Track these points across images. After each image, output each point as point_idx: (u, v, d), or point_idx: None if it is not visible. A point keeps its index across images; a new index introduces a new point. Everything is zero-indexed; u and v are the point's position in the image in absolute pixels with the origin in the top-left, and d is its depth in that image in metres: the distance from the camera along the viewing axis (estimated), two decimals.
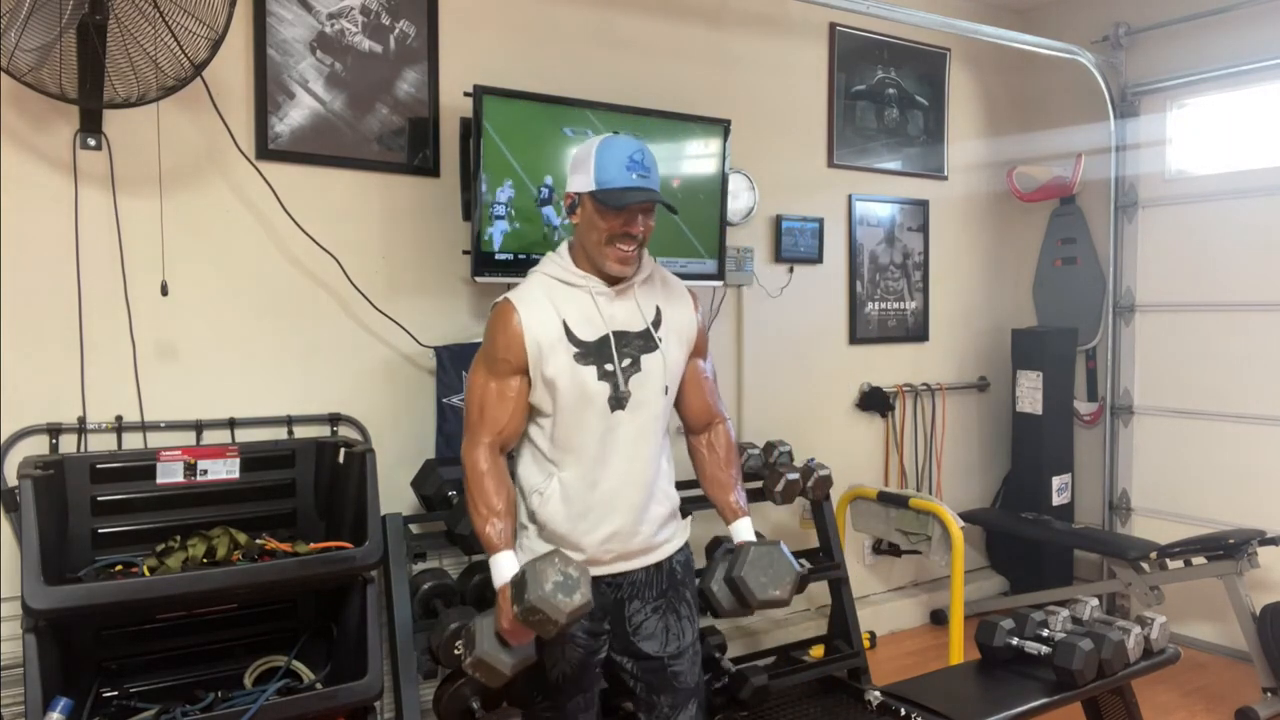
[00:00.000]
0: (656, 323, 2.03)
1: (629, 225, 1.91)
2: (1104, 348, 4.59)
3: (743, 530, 2.09)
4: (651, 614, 2.06)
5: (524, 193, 3.03)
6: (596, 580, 1.98)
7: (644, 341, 2.00)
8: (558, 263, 2.02)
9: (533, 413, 2.01)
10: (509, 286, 3.18)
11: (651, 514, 2.04)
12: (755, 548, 2.00)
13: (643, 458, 2.01)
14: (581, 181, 1.93)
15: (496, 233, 3.01)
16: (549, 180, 3.10)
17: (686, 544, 2.18)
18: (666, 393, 2.04)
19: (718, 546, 2.25)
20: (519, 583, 1.78)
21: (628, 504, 2.00)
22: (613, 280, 1.99)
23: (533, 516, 2.01)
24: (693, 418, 2.15)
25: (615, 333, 1.97)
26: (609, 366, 1.95)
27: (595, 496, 1.98)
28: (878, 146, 4.40)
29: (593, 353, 1.94)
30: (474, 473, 1.95)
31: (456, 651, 2.04)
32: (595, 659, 2.06)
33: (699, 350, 2.13)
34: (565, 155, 3.13)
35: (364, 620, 2.48)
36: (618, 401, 1.96)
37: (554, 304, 1.96)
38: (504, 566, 1.88)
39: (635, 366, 1.98)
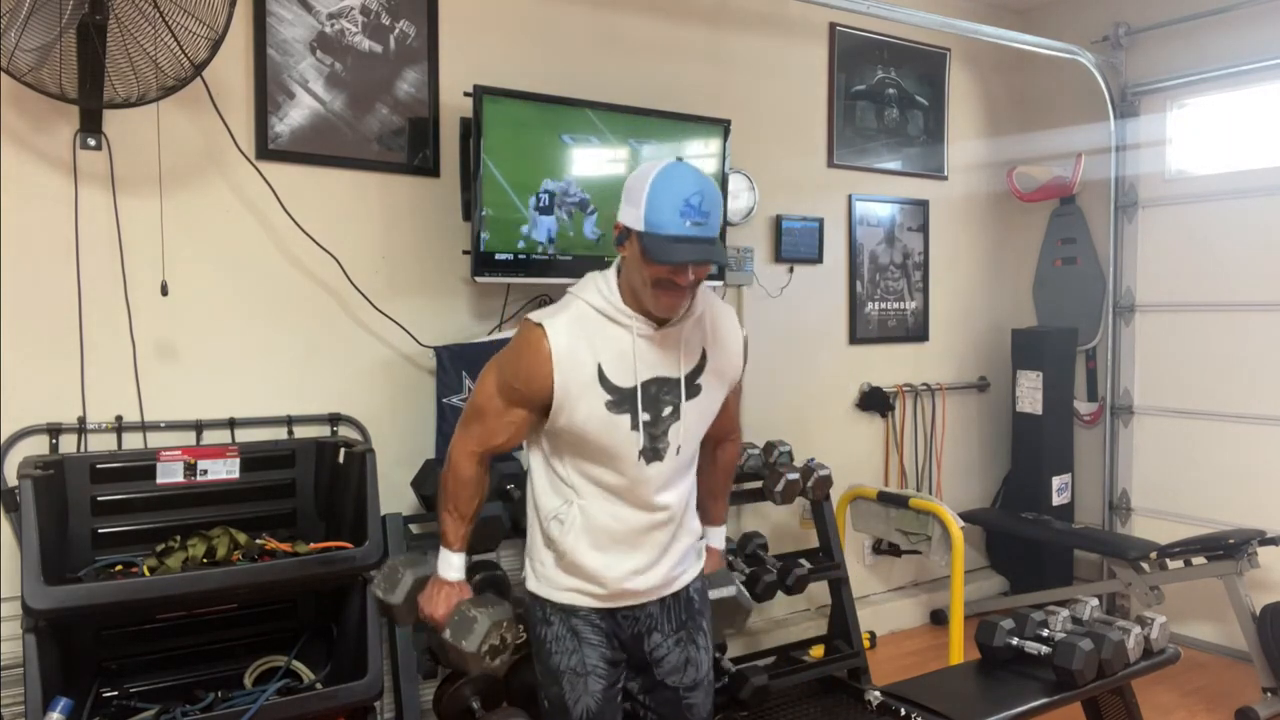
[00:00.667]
0: (700, 367, 1.90)
1: (676, 275, 1.73)
2: (1104, 348, 4.59)
3: (715, 538, 2.19)
4: (674, 646, 2.00)
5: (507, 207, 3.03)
6: (613, 613, 1.96)
7: (687, 388, 1.88)
8: (603, 293, 1.83)
9: (553, 438, 1.90)
10: (509, 288, 3.24)
11: (674, 550, 1.98)
12: (715, 601, 2.15)
13: (671, 500, 1.93)
14: (632, 216, 1.73)
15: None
16: (548, 185, 3.09)
17: (702, 572, 2.12)
18: (699, 439, 1.98)
19: None
20: (461, 623, 1.90)
21: (653, 542, 1.93)
22: (660, 320, 1.83)
23: (551, 544, 1.92)
24: (711, 434, 2.07)
25: (656, 379, 1.84)
26: (647, 416, 1.83)
27: (620, 530, 1.90)
28: (878, 146, 4.40)
29: (627, 400, 1.81)
30: (458, 476, 1.92)
31: (375, 589, 2.07)
32: (616, 689, 1.98)
33: (738, 384, 2.06)
34: (564, 160, 3.13)
35: (364, 620, 2.48)
36: (654, 453, 1.85)
37: (590, 340, 1.80)
38: (454, 563, 1.96)
39: (675, 415, 1.86)
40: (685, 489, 1.98)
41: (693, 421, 1.91)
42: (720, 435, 2.11)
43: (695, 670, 2.01)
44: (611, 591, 1.93)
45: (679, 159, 1.77)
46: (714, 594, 2.15)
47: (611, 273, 1.86)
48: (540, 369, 1.78)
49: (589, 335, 1.81)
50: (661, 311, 1.79)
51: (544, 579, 1.95)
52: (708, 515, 2.16)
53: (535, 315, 1.84)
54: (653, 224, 1.70)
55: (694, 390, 1.89)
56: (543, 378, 1.78)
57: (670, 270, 1.72)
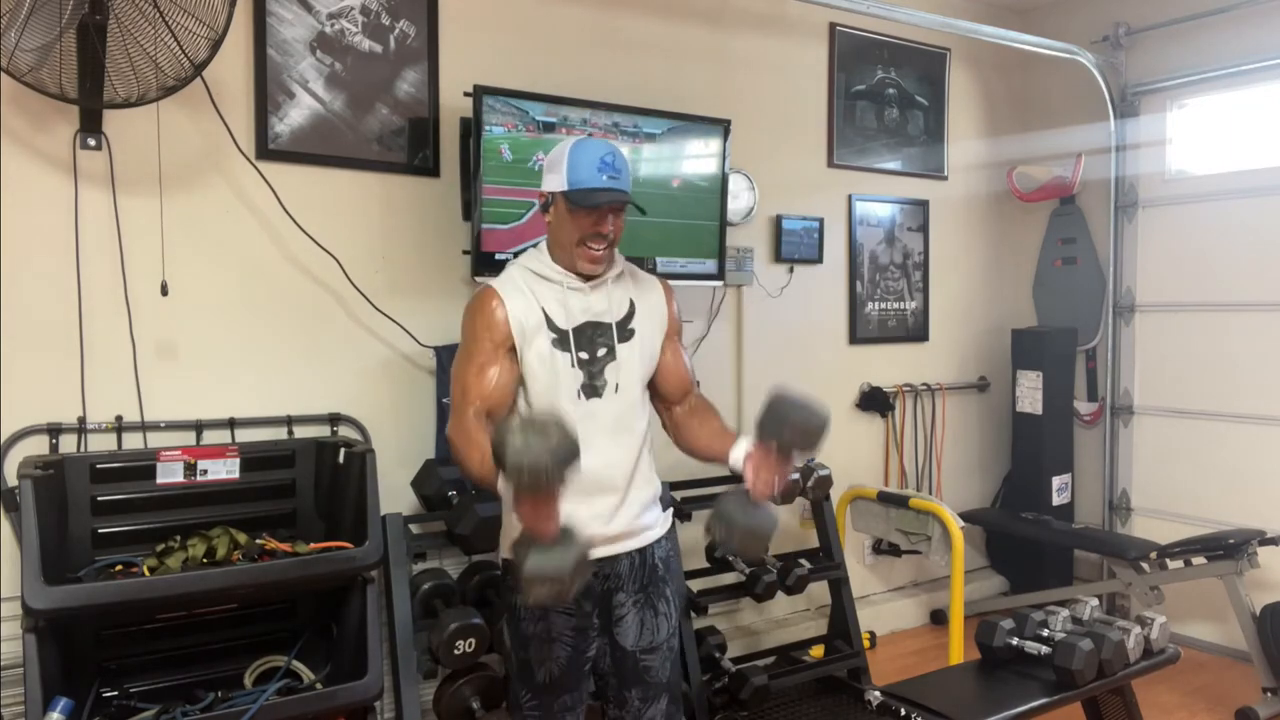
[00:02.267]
0: (630, 314, 2.08)
1: (599, 225, 1.97)
2: (1104, 348, 4.59)
3: (744, 445, 2.04)
4: (632, 608, 2.09)
5: None
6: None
7: (619, 331, 2.05)
8: (536, 257, 2.07)
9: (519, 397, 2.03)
10: None
11: (633, 497, 2.06)
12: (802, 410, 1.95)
13: (624, 443, 2.04)
14: (554, 181, 1.99)
15: None
16: None
17: (671, 538, 2.21)
18: (641, 382, 2.08)
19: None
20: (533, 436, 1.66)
21: (610, 485, 2.02)
22: (587, 277, 2.04)
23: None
24: (671, 389, 2.16)
25: (590, 322, 2.03)
26: (583, 355, 2.01)
27: (577, 479, 1.89)
28: (878, 146, 4.40)
29: (568, 340, 2.00)
30: (462, 432, 1.90)
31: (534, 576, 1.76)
32: (583, 658, 2.07)
33: (673, 331, 2.17)
34: None
35: (364, 620, 2.48)
36: (592, 389, 2.01)
37: (533, 292, 2.01)
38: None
39: (611, 355, 2.03)
40: (634, 438, 2.06)
41: (631, 361, 2.05)
42: (679, 392, 2.18)
43: (652, 634, 2.10)
44: None
45: (588, 134, 2.08)
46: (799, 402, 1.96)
47: (543, 243, 2.10)
48: (496, 313, 1.98)
49: (531, 288, 2.02)
50: (589, 264, 2.00)
51: (511, 533, 2.00)
52: (725, 443, 2.06)
53: (479, 285, 2.07)
54: (575, 181, 1.95)
55: (627, 334, 2.07)
56: (499, 318, 1.97)
57: (594, 221, 1.96)
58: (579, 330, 2.02)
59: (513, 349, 1.99)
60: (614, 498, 2.03)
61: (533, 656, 2.03)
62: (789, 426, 1.90)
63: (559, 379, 1.99)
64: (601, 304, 2.05)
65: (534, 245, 2.12)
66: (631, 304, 2.09)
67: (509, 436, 1.63)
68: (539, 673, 2.03)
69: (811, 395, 1.95)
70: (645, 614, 2.10)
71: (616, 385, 2.03)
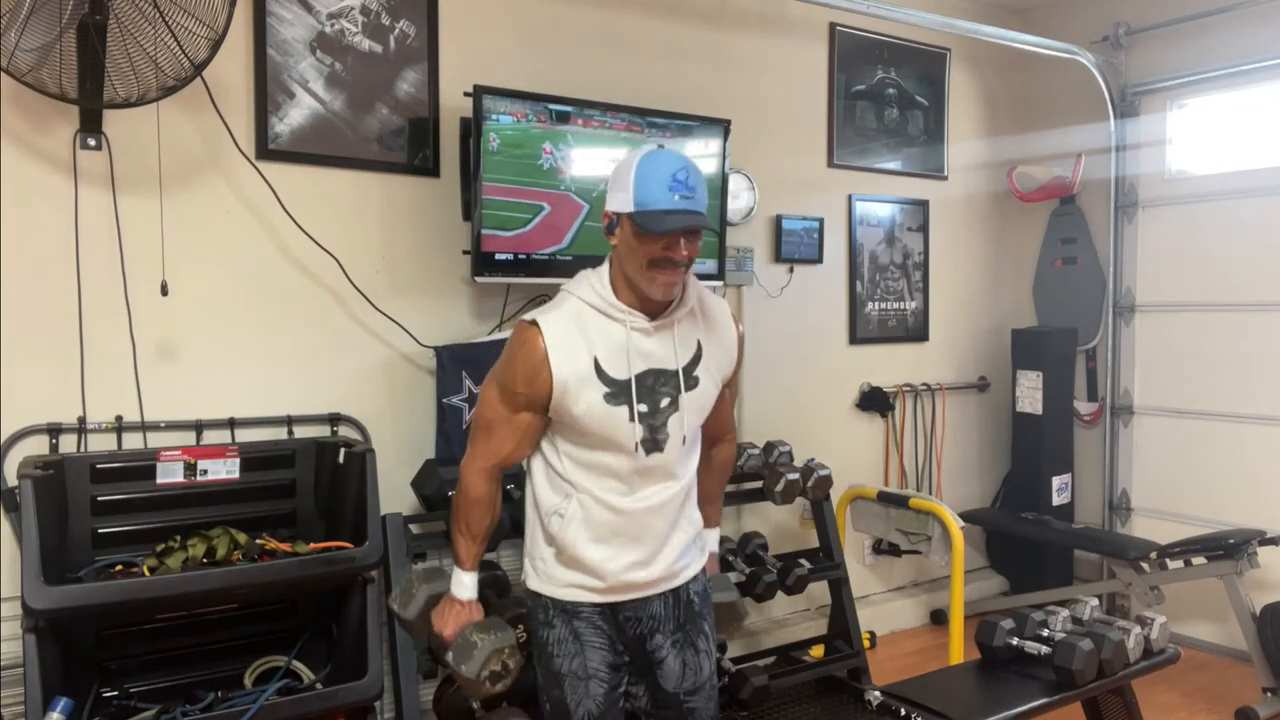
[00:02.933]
0: (696, 359, 1.92)
1: (670, 250, 1.76)
2: (1104, 348, 4.59)
3: (710, 540, 2.19)
4: (671, 649, 1.99)
5: None
6: (616, 609, 1.96)
7: (684, 379, 1.89)
8: (596, 289, 1.86)
9: (552, 434, 1.92)
10: (509, 288, 3.24)
11: (674, 541, 1.97)
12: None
13: (671, 489, 1.94)
14: (620, 200, 1.78)
15: None
16: None
17: (704, 571, 2.11)
18: (698, 429, 2.00)
19: None
20: (463, 647, 1.94)
21: (653, 533, 1.93)
22: (653, 313, 1.86)
23: (551, 540, 1.93)
24: (706, 434, 2.08)
25: (652, 370, 1.86)
26: (644, 407, 1.84)
27: (619, 522, 1.89)
28: (878, 146, 4.40)
29: (625, 392, 1.83)
30: (469, 495, 1.95)
31: (391, 603, 2.12)
32: (617, 694, 1.98)
33: (734, 378, 2.07)
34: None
35: (364, 620, 2.48)
36: (654, 444, 1.87)
37: (585, 335, 1.82)
38: (465, 582, 2.00)
39: (674, 406, 1.87)
40: (685, 480, 1.97)
41: (692, 412, 1.92)
42: (715, 435, 2.12)
43: (695, 675, 2.01)
44: (612, 585, 1.92)
45: (660, 146, 1.83)
46: (715, 597, 2.15)
47: (604, 268, 1.89)
48: (538, 366, 1.80)
49: (583, 329, 1.83)
50: (659, 292, 1.81)
51: (545, 576, 1.96)
52: (703, 518, 2.13)
53: (529, 314, 1.87)
54: (643, 202, 1.74)
55: (692, 382, 1.91)
56: (541, 374, 1.80)
57: (664, 246, 1.75)
58: (639, 380, 1.84)
59: (544, 407, 1.85)
60: (655, 544, 1.94)
61: (569, 696, 1.92)
62: None
63: (616, 433, 1.84)
64: (666, 347, 1.87)
65: (594, 268, 1.91)
66: (699, 346, 1.92)
67: (479, 661, 1.93)
68: (576, 713, 1.92)
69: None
70: (686, 654, 2.00)
71: (683, 438, 1.90)
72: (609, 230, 1.83)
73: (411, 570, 2.15)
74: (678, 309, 1.89)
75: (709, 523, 2.17)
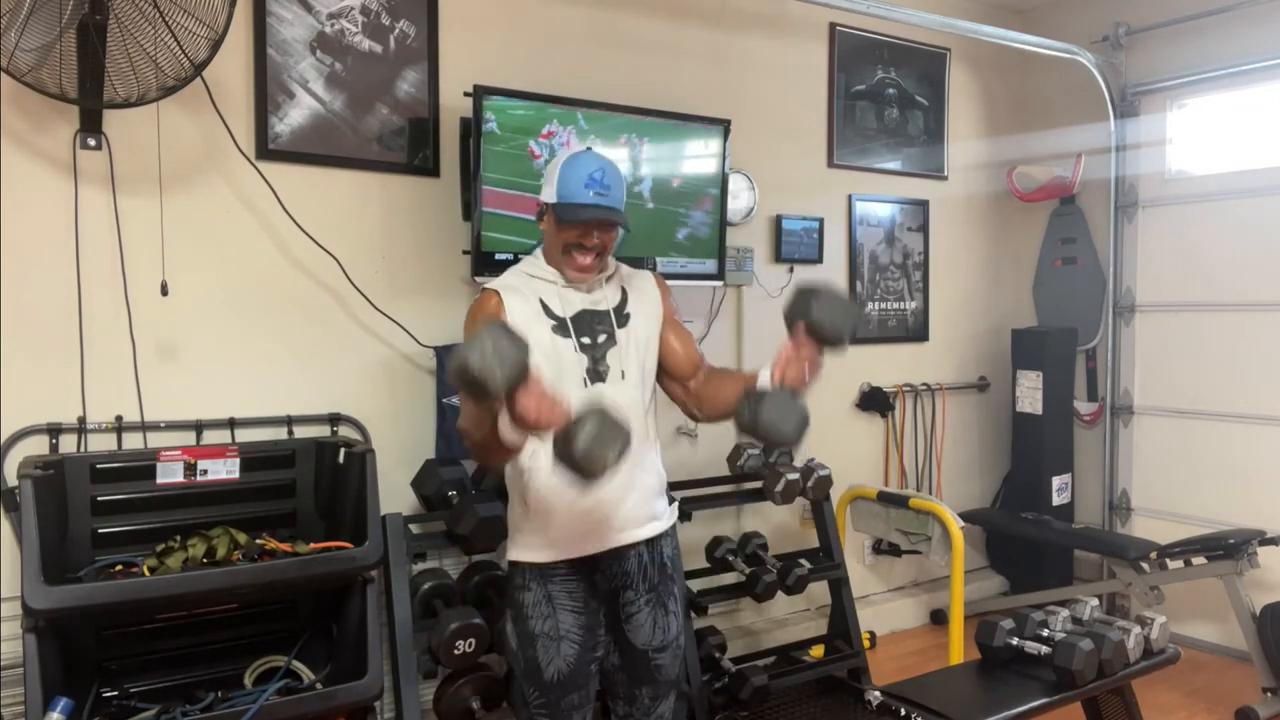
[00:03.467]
0: (624, 300, 2.14)
1: (584, 238, 2.03)
2: (1104, 348, 4.59)
3: (764, 376, 2.00)
4: (644, 606, 2.11)
5: None
6: (591, 566, 2.07)
7: (616, 317, 2.10)
8: (532, 261, 2.15)
9: None
10: None
11: (639, 481, 2.08)
12: (773, 396, 1.89)
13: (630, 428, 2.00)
14: (547, 192, 2.06)
15: None
16: None
17: (675, 535, 2.24)
18: (644, 366, 2.11)
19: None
20: (567, 436, 1.66)
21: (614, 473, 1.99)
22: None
23: (525, 497, 2.05)
24: (682, 366, 2.18)
25: (586, 310, 2.08)
26: (585, 339, 2.06)
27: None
28: (878, 146, 4.40)
29: (568, 326, 2.05)
30: (476, 437, 1.87)
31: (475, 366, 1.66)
32: (591, 655, 2.09)
33: (670, 315, 2.21)
34: None
35: (364, 620, 2.48)
36: (596, 374, 2.05)
37: (527, 289, 2.08)
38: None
39: (611, 341, 2.08)
40: (636, 421, 2.00)
41: (631, 345, 2.09)
42: (689, 369, 2.20)
43: (664, 633, 2.13)
44: (583, 529, 2.02)
45: (588, 148, 2.09)
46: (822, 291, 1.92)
47: (538, 250, 2.17)
48: (495, 311, 2.02)
49: (525, 287, 2.08)
50: (575, 274, 2.06)
51: (521, 545, 2.09)
52: (749, 378, 2.02)
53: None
54: (563, 195, 2.02)
55: (624, 318, 2.11)
56: (500, 314, 2.02)
57: (579, 234, 2.02)
58: (577, 318, 2.07)
59: None
60: (619, 481, 1.98)
61: (540, 655, 2.04)
62: (818, 304, 1.88)
63: (563, 366, 2.01)
64: (596, 296, 2.11)
65: (531, 253, 2.19)
66: (624, 292, 2.15)
67: (458, 359, 1.64)
68: (547, 671, 2.04)
69: (837, 286, 1.96)
70: (657, 613, 2.13)
71: (622, 371, 2.07)
72: (539, 217, 2.11)
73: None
74: (599, 277, 2.12)
75: (754, 377, 2.01)
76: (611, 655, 2.14)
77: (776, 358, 1.94)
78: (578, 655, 2.05)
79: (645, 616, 2.11)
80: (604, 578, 2.10)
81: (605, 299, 2.12)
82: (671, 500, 2.27)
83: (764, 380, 1.95)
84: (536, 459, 2.00)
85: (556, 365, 2.00)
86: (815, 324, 1.88)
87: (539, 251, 2.15)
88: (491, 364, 1.62)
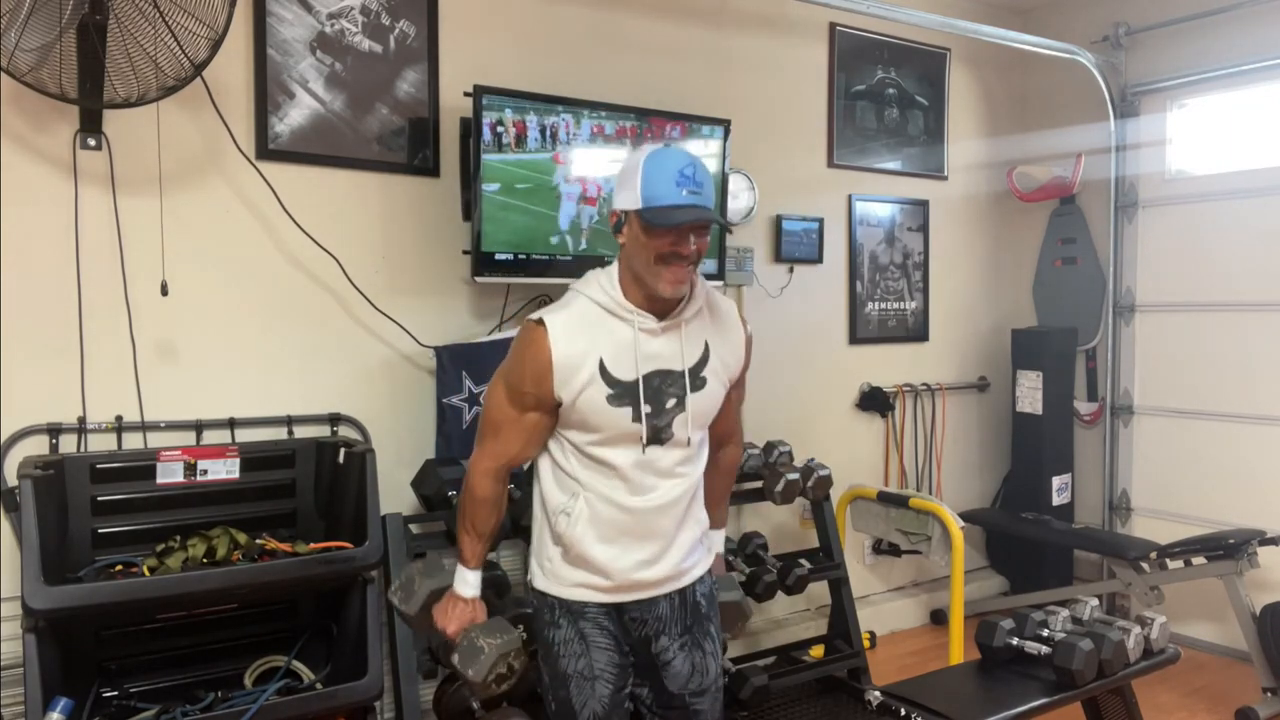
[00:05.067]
0: (704, 360, 1.91)
1: (679, 245, 1.77)
2: (1104, 348, 4.59)
3: (715, 541, 2.16)
4: (679, 651, 1.98)
5: None
6: (621, 609, 1.96)
7: (691, 380, 1.89)
8: (604, 288, 1.86)
9: (559, 432, 1.91)
10: (509, 288, 3.24)
11: (681, 540, 1.97)
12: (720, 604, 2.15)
13: (678, 488, 1.93)
14: (628, 198, 1.79)
15: None
16: None
17: (709, 572, 2.10)
18: (706, 429, 1.99)
19: None
20: (469, 651, 1.94)
21: (660, 532, 1.92)
22: (661, 314, 1.86)
23: (558, 539, 1.93)
24: (712, 435, 2.07)
25: (659, 371, 1.86)
26: (648, 408, 1.84)
27: (626, 520, 1.89)
28: (878, 146, 4.40)
29: (629, 394, 1.83)
30: (475, 494, 1.94)
31: (392, 596, 2.12)
32: (623, 694, 1.98)
33: (742, 380, 2.07)
34: None
35: (364, 620, 2.48)
36: (657, 440, 1.87)
37: (591, 335, 1.83)
38: (469, 580, 2.00)
39: (680, 407, 1.87)
40: (691, 479, 1.96)
41: (699, 413, 1.91)
42: (721, 438, 2.10)
43: (702, 676, 2.00)
44: (619, 584, 1.92)
45: (666, 143, 1.85)
46: (721, 596, 2.15)
47: (613, 268, 1.89)
48: (543, 368, 1.81)
49: (590, 330, 1.83)
50: (668, 289, 1.80)
51: (551, 576, 1.95)
52: (709, 520, 2.13)
53: (536, 313, 1.87)
54: (650, 198, 1.75)
55: (699, 383, 1.90)
56: (545, 376, 1.81)
57: (673, 241, 1.76)
58: (646, 380, 1.84)
59: (551, 406, 1.86)
60: (662, 543, 1.93)
61: (574, 696, 1.92)
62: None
63: (618, 433, 1.84)
64: (673, 348, 1.87)
65: (603, 268, 1.91)
66: (706, 348, 1.92)
67: (484, 663, 1.93)
68: (582, 715, 1.92)
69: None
70: (694, 655, 1.99)
71: (687, 439, 1.90)
72: (616, 229, 1.84)
73: (412, 564, 2.14)
74: (685, 309, 1.89)
75: (714, 524, 2.15)
76: (647, 699, 2.02)
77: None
78: (612, 696, 1.94)
79: (682, 661, 1.98)
80: (635, 623, 1.97)
81: (683, 350, 1.87)
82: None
83: (709, 543, 2.12)
84: (576, 504, 1.89)
85: (613, 431, 1.84)
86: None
87: (613, 272, 1.87)
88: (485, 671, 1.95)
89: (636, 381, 1.84)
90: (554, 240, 3.13)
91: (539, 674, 2.03)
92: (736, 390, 2.06)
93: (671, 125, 3.38)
